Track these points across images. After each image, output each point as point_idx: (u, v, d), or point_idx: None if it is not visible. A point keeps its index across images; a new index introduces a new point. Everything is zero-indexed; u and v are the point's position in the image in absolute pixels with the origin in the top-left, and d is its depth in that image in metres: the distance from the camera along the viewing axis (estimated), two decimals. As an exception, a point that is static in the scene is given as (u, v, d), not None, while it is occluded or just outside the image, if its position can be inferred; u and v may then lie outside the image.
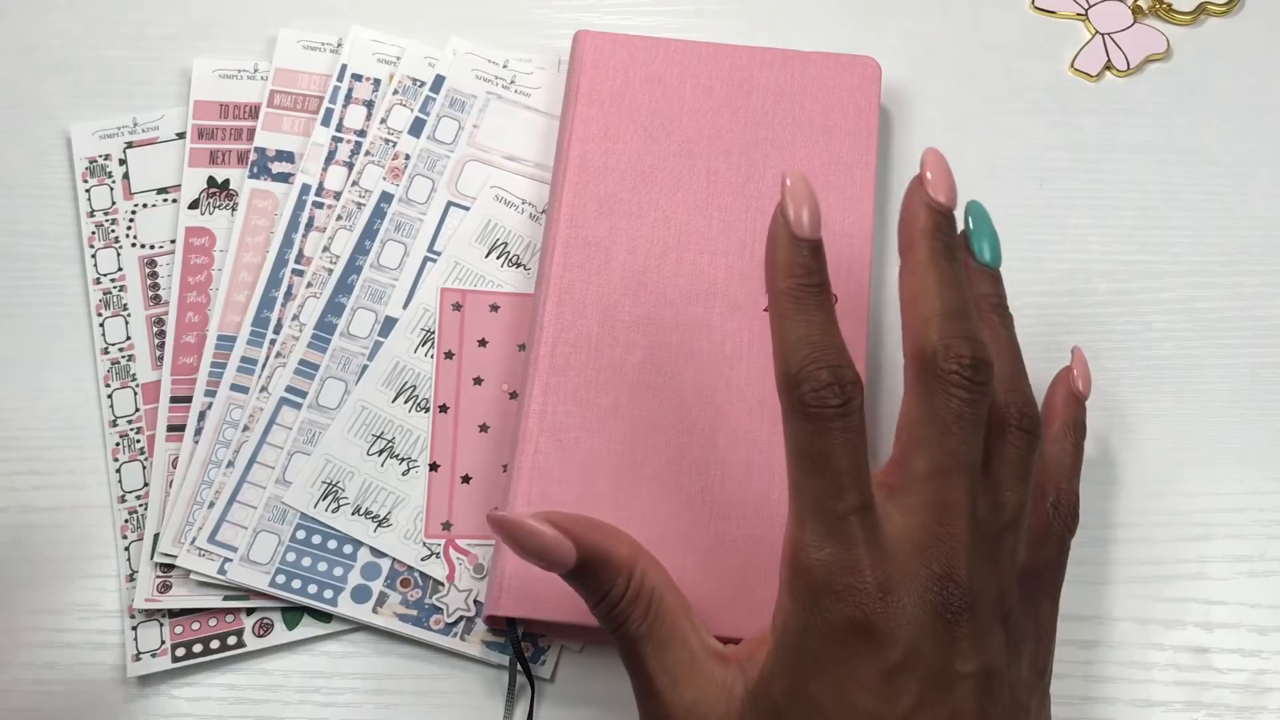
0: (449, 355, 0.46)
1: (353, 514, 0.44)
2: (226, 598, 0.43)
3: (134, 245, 0.48)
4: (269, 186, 0.48)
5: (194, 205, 0.48)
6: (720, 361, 0.44)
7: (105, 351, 0.46)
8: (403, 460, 0.45)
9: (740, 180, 0.47)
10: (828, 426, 0.33)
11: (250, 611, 0.43)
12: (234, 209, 0.48)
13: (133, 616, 0.43)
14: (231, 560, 0.43)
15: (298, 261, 0.47)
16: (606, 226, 0.46)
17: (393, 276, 0.47)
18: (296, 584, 0.43)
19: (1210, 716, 0.43)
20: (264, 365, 0.46)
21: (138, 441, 0.45)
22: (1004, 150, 0.51)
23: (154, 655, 0.42)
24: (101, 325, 0.47)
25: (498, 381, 0.46)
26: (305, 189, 0.48)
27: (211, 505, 0.44)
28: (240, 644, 0.42)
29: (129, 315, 0.47)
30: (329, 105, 0.49)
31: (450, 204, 0.48)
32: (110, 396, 0.46)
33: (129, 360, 0.46)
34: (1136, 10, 0.54)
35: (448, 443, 0.45)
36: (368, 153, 0.49)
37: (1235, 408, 0.47)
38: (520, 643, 0.41)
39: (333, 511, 0.44)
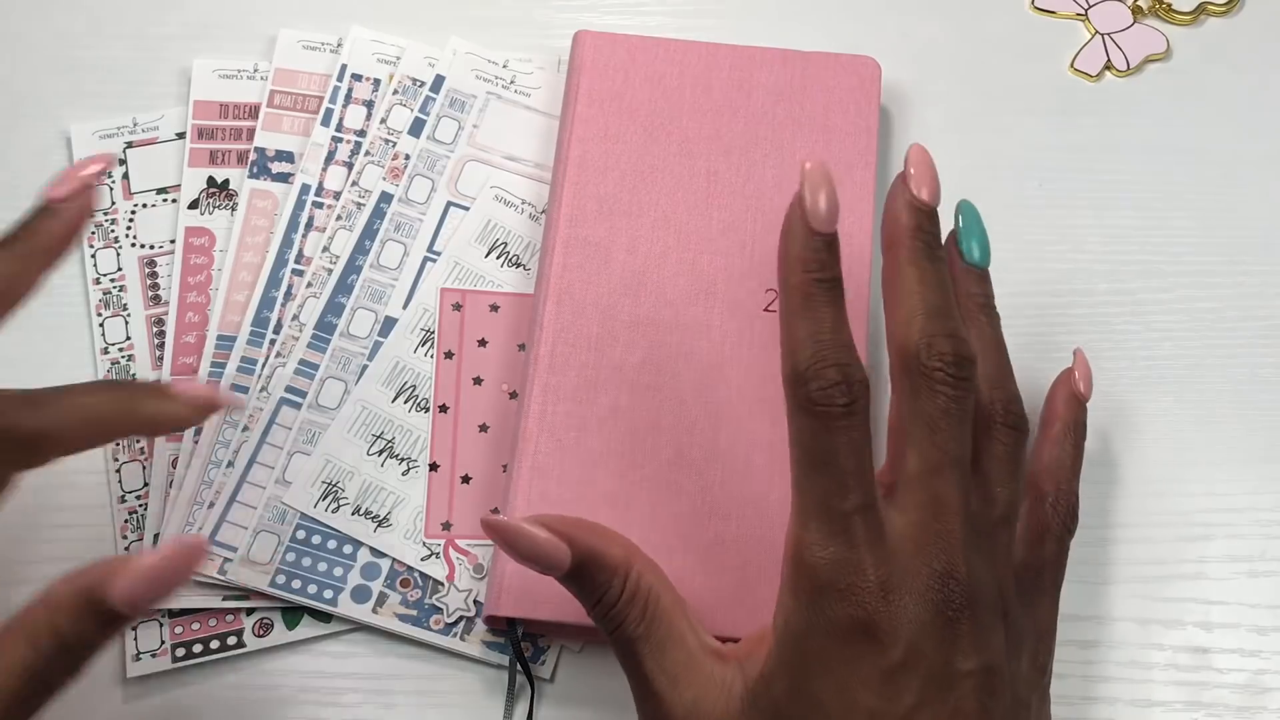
0: (449, 355, 0.46)
1: (353, 514, 0.44)
2: (226, 598, 0.43)
3: (134, 245, 0.48)
4: (269, 186, 0.48)
5: (194, 205, 0.48)
6: (720, 361, 0.44)
7: (105, 351, 0.46)
8: (403, 460, 0.45)
9: (740, 180, 0.47)
10: (833, 425, 0.33)
11: (250, 612, 0.43)
12: (234, 209, 0.48)
13: None
14: (231, 560, 0.43)
15: (298, 261, 0.47)
16: (606, 226, 0.46)
17: (392, 276, 0.47)
18: (296, 584, 0.43)
19: (1210, 716, 0.43)
20: (264, 365, 0.46)
21: (138, 442, 0.45)
22: (1004, 150, 0.51)
23: (153, 655, 0.42)
24: (101, 325, 0.47)
25: (498, 381, 0.46)
26: (305, 189, 0.48)
27: (211, 505, 0.44)
28: (240, 644, 0.42)
29: (129, 315, 0.47)
30: (329, 105, 0.49)
31: (450, 204, 0.48)
32: (110, 396, 0.46)
33: (129, 360, 0.46)
34: (1136, 10, 0.54)
35: (448, 443, 0.45)
36: (367, 153, 0.49)
37: (1235, 408, 0.47)
38: (520, 643, 0.41)
39: (333, 511, 0.44)
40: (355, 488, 0.44)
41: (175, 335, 0.46)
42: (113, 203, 0.48)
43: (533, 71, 0.51)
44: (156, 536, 0.43)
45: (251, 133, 0.49)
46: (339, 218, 0.48)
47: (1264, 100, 0.52)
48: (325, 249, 0.47)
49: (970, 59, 0.53)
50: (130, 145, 0.49)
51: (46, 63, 0.51)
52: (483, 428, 0.45)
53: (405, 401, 0.45)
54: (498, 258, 0.48)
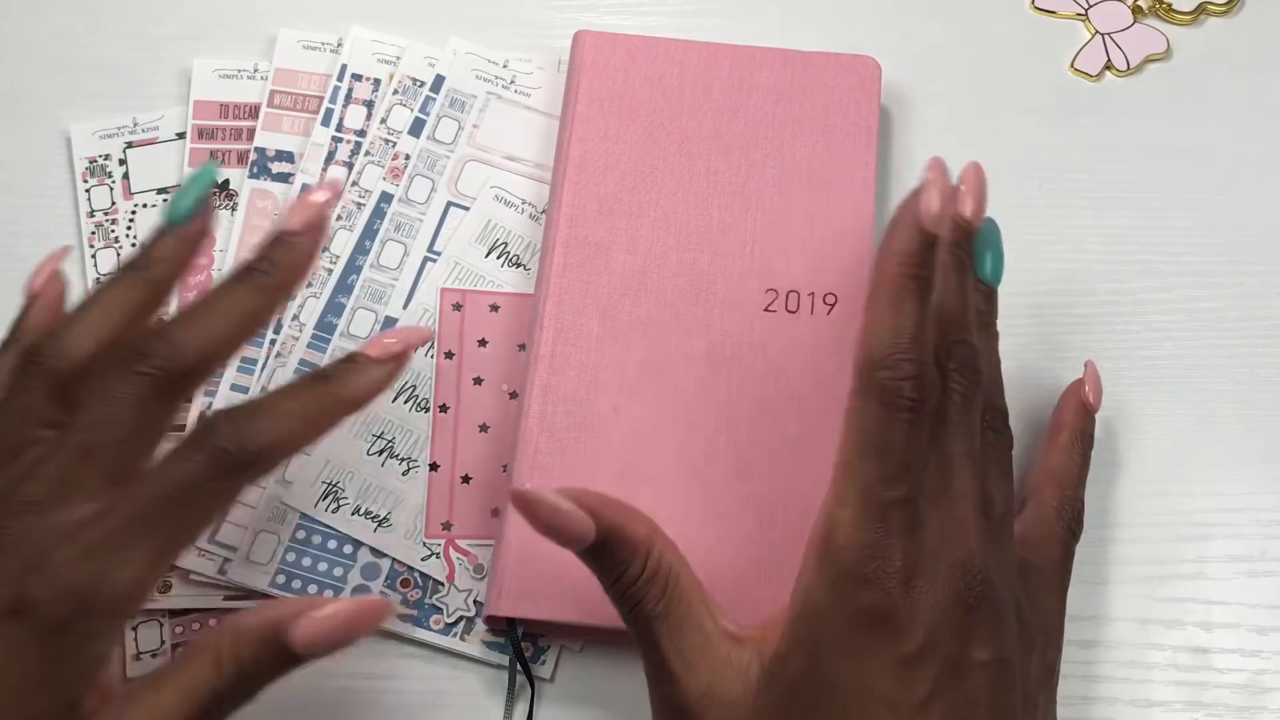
0: (449, 355, 0.46)
1: (353, 514, 0.44)
2: (226, 598, 0.43)
3: (134, 245, 0.48)
4: (269, 186, 0.48)
5: (194, 205, 0.48)
6: (720, 361, 0.44)
7: (105, 351, 0.46)
8: (403, 460, 0.45)
9: (740, 180, 0.47)
10: (897, 416, 0.34)
11: (250, 611, 0.43)
12: (234, 209, 0.48)
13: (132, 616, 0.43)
14: (231, 560, 0.43)
15: (298, 261, 0.47)
16: (606, 226, 0.46)
17: (393, 276, 0.47)
18: (296, 584, 0.43)
19: (1210, 716, 0.43)
20: (264, 365, 0.46)
21: (138, 441, 0.45)
22: (1004, 150, 0.51)
23: (154, 655, 0.42)
24: (101, 325, 0.47)
25: (498, 381, 0.46)
26: (305, 189, 0.48)
27: (211, 505, 0.44)
28: (240, 644, 0.42)
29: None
30: (329, 105, 0.49)
31: (450, 204, 0.48)
32: (110, 396, 0.45)
33: (129, 360, 0.46)
34: (1136, 10, 0.54)
35: (448, 443, 0.45)
36: (367, 153, 0.49)
37: (1235, 408, 0.47)
38: (520, 643, 0.42)
39: (333, 511, 0.44)
40: (355, 488, 0.44)
41: (175, 335, 0.46)
42: (113, 203, 0.48)
43: (533, 71, 0.51)
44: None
45: (252, 133, 0.49)
46: (339, 218, 0.48)
47: (1264, 100, 0.52)
48: (325, 249, 0.47)
49: (970, 59, 0.53)
50: (130, 145, 0.49)
51: (46, 63, 0.51)
52: (483, 428, 0.45)
53: (405, 401, 0.45)
54: (498, 258, 0.48)
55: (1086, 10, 0.54)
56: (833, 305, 0.45)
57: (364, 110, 0.49)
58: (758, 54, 0.49)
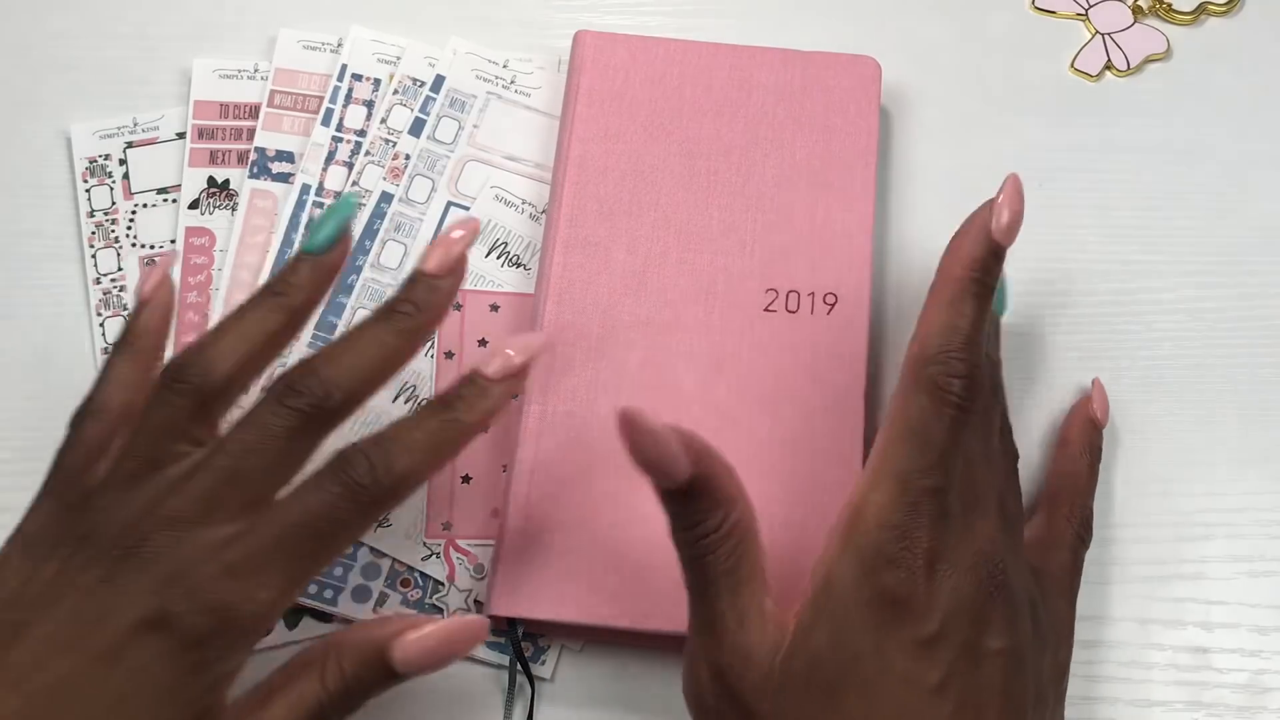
0: (449, 355, 0.46)
1: (353, 514, 0.44)
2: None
3: (134, 245, 0.48)
4: (269, 186, 0.48)
5: (194, 205, 0.48)
6: (720, 362, 0.44)
7: (105, 351, 0.46)
8: (403, 460, 0.44)
9: (740, 180, 0.47)
10: (943, 409, 0.35)
11: (250, 611, 0.43)
12: (234, 209, 0.48)
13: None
14: (231, 560, 0.43)
15: (298, 261, 0.47)
16: (606, 226, 0.46)
17: (393, 277, 0.47)
18: (296, 584, 0.43)
19: (1210, 716, 0.43)
20: (264, 365, 0.46)
21: (138, 441, 0.45)
22: (1004, 150, 0.51)
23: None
24: (101, 325, 0.47)
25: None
26: (305, 189, 0.48)
27: (211, 505, 0.43)
28: (240, 644, 0.42)
29: (129, 315, 0.47)
30: (329, 105, 0.49)
31: (450, 204, 0.48)
32: (110, 396, 0.46)
33: (129, 360, 0.46)
34: (1136, 10, 0.54)
35: (448, 443, 0.45)
36: (368, 153, 0.49)
37: (1235, 408, 0.47)
38: (520, 643, 0.41)
39: (333, 511, 0.44)
40: (355, 488, 0.44)
41: (176, 335, 0.46)
42: (113, 203, 0.48)
43: (533, 71, 0.51)
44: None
45: (251, 133, 0.49)
46: (339, 218, 0.48)
47: (1264, 100, 0.52)
48: (325, 249, 0.47)
49: (970, 59, 0.53)
50: (130, 145, 0.49)
51: (46, 63, 0.51)
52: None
53: (405, 401, 0.45)
54: (498, 258, 0.48)
55: (1086, 10, 0.54)
56: (833, 305, 0.45)
57: (364, 110, 0.49)
58: (758, 54, 0.49)
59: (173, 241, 0.48)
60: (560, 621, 0.41)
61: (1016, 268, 0.48)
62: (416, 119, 0.49)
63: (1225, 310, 0.48)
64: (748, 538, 0.36)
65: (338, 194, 0.48)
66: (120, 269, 0.47)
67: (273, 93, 0.50)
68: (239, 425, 0.35)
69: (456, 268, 0.37)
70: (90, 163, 0.49)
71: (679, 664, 0.41)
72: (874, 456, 0.36)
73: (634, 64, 0.48)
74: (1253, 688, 0.43)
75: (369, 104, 0.50)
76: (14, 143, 0.50)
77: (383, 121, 0.49)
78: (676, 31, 0.50)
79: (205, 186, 0.48)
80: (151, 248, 0.48)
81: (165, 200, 0.48)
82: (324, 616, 0.43)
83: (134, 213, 0.48)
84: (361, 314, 0.46)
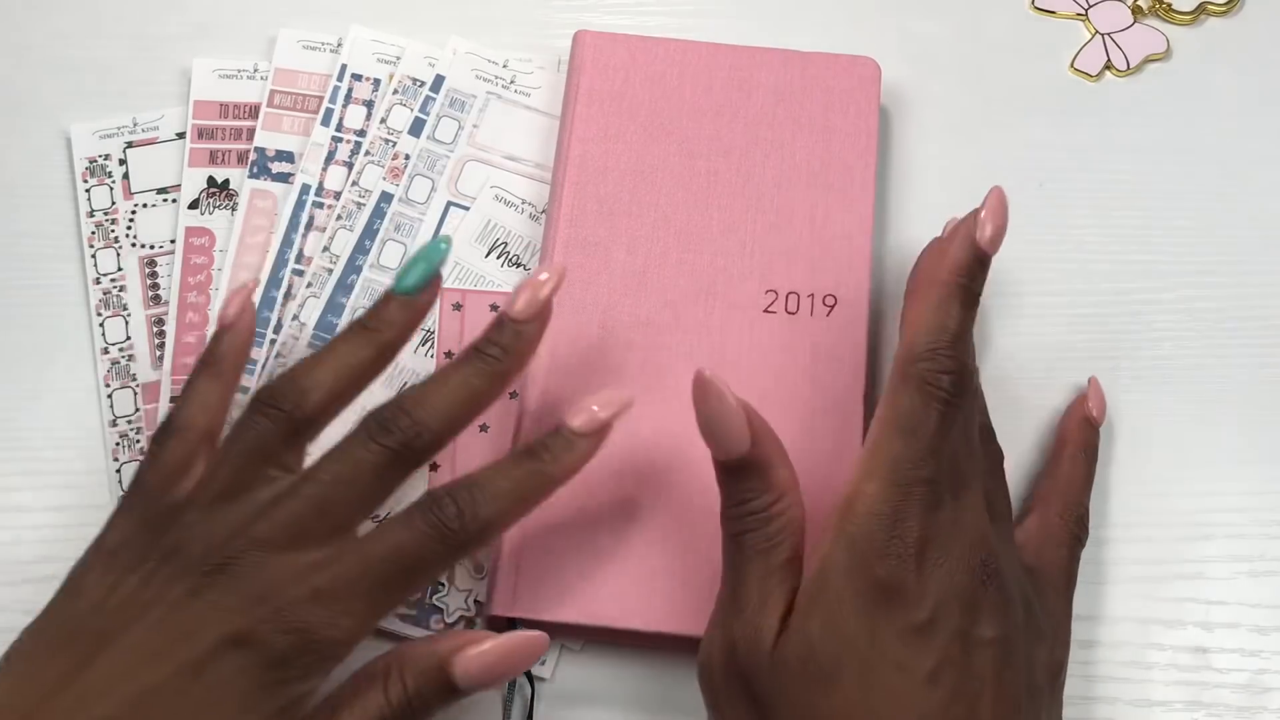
0: (449, 355, 0.46)
1: (353, 514, 0.44)
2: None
3: (134, 245, 0.48)
4: (269, 186, 0.48)
5: (194, 205, 0.48)
6: (721, 362, 0.44)
7: (105, 351, 0.46)
8: (403, 460, 0.44)
9: (740, 180, 0.47)
10: (932, 403, 0.36)
11: (250, 611, 0.43)
12: (234, 209, 0.48)
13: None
14: (231, 560, 0.43)
15: (298, 262, 0.47)
16: (606, 226, 0.46)
17: (392, 277, 0.47)
18: (296, 584, 0.43)
19: (1210, 716, 0.43)
20: (264, 365, 0.46)
21: (137, 441, 0.45)
22: (1004, 150, 0.51)
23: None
24: (101, 325, 0.47)
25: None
26: (305, 189, 0.48)
27: (211, 505, 0.44)
28: (240, 644, 0.42)
29: (129, 315, 0.47)
30: (329, 105, 0.49)
31: (450, 204, 0.48)
32: (110, 396, 0.46)
33: (129, 360, 0.46)
34: (1136, 10, 0.54)
35: (448, 443, 0.45)
36: (367, 153, 0.49)
37: (1235, 408, 0.47)
38: (520, 643, 0.41)
39: (333, 511, 0.44)
40: (355, 488, 0.44)
41: (176, 335, 0.46)
42: (113, 203, 0.48)
43: (533, 71, 0.51)
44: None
45: (251, 133, 0.49)
46: (339, 218, 0.48)
47: (1264, 100, 0.52)
48: (325, 249, 0.47)
49: (970, 59, 0.53)
50: (130, 145, 0.49)
51: (46, 63, 0.51)
52: (483, 428, 0.45)
53: (405, 401, 0.45)
54: (498, 258, 0.48)
55: (1086, 10, 0.54)
56: (832, 307, 0.45)
57: (364, 110, 0.49)
58: (758, 54, 0.49)
59: (172, 241, 0.48)
60: (560, 622, 0.41)
61: (1016, 268, 0.48)
62: (416, 119, 0.49)
63: (1224, 310, 0.48)
64: (790, 529, 0.37)
65: (337, 194, 0.48)
66: (120, 269, 0.47)
67: (272, 93, 0.50)
68: (330, 456, 0.36)
69: (543, 312, 0.39)
70: (90, 163, 0.49)
71: (679, 664, 0.41)
72: (865, 451, 0.36)
73: (634, 64, 0.48)
74: (1253, 688, 0.43)
75: (369, 104, 0.50)
76: (14, 143, 0.50)
77: (382, 121, 0.49)
78: (676, 31, 0.50)
79: (205, 186, 0.48)
80: (151, 248, 0.48)
81: (165, 200, 0.48)
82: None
83: (134, 213, 0.48)
84: (361, 314, 0.46)
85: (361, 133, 0.49)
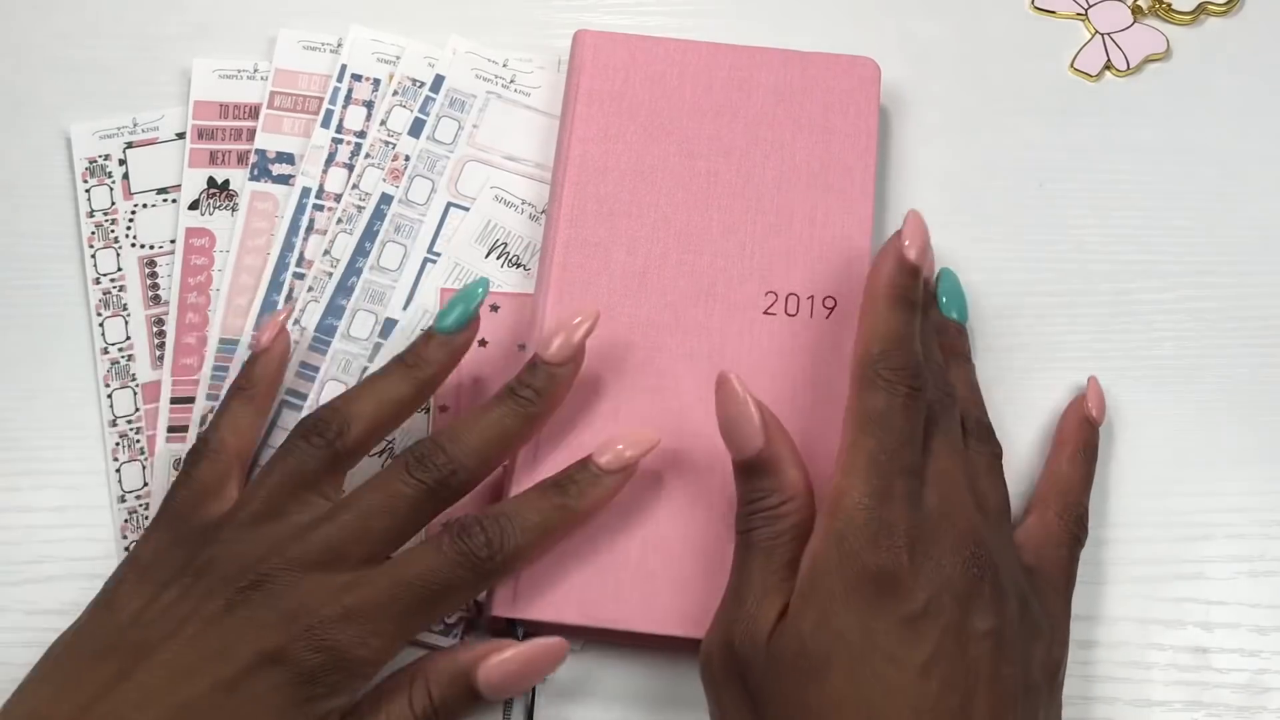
0: (449, 356, 0.46)
1: (353, 514, 0.44)
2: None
3: (134, 245, 0.48)
4: (269, 189, 0.48)
5: (194, 205, 0.48)
6: (720, 363, 0.44)
7: (105, 351, 0.46)
8: (403, 461, 0.44)
9: (740, 180, 0.47)
10: (895, 398, 0.37)
11: (251, 612, 0.43)
12: (234, 209, 0.48)
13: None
14: (232, 561, 0.43)
15: (298, 265, 0.47)
16: (606, 227, 0.46)
17: (393, 278, 0.47)
18: (297, 584, 0.43)
19: (1210, 716, 0.43)
20: (264, 366, 0.46)
21: (137, 441, 0.45)
22: (1004, 150, 0.51)
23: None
24: (101, 325, 0.47)
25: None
26: (305, 191, 0.48)
27: (212, 506, 0.44)
28: (241, 644, 0.42)
29: (129, 315, 0.47)
30: (329, 106, 0.49)
31: (450, 204, 0.48)
32: (110, 396, 0.46)
33: (129, 360, 0.46)
34: (1136, 10, 0.54)
35: (448, 443, 0.45)
36: (368, 155, 0.49)
37: (1235, 408, 0.47)
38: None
39: (333, 512, 0.44)
40: (356, 488, 0.44)
41: (176, 335, 0.46)
42: (113, 203, 0.48)
43: (533, 71, 0.51)
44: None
45: (251, 133, 0.49)
46: (339, 220, 0.48)
47: (1264, 100, 0.52)
48: (326, 252, 0.47)
49: (970, 59, 0.53)
50: (130, 145, 0.49)
51: (46, 63, 0.51)
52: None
53: (405, 402, 0.45)
54: (498, 258, 0.48)
55: (1086, 10, 0.54)
56: (832, 309, 0.45)
57: (364, 111, 0.49)
58: (758, 54, 0.49)
59: (172, 241, 0.48)
60: (560, 622, 0.41)
61: (1016, 267, 0.48)
62: (416, 119, 0.49)
63: (1224, 310, 0.48)
64: (797, 530, 0.37)
65: (338, 197, 0.48)
66: (120, 269, 0.47)
67: (273, 94, 0.50)
68: (368, 487, 0.38)
69: (576, 355, 0.40)
70: (90, 163, 0.49)
71: (679, 664, 0.41)
72: (842, 450, 0.38)
73: (634, 64, 0.48)
74: (1253, 688, 0.43)
75: (369, 104, 0.50)
76: (14, 143, 0.50)
77: (382, 123, 0.49)
78: (676, 31, 0.50)
79: (205, 187, 0.48)
80: (151, 248, 0.48)
81: (165, 200, 0.48)
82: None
83: (134, 213, 0.48)
84: (362, 316, 0.46)
85: (361, 134, 0.49)
